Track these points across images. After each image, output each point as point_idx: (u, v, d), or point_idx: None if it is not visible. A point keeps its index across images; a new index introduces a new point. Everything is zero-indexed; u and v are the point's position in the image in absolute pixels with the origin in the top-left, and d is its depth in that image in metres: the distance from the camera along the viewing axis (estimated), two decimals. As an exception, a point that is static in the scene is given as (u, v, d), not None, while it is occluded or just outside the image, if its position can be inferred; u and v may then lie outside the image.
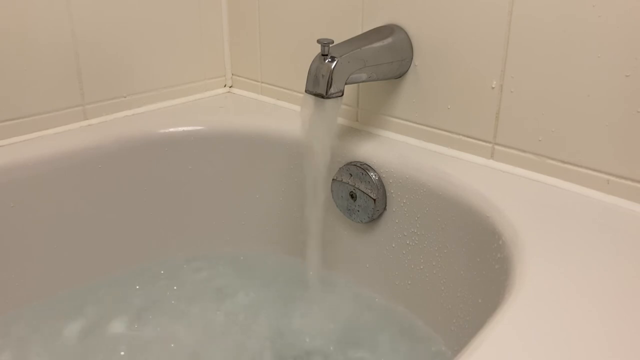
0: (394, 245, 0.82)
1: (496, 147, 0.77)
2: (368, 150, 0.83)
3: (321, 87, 0.71)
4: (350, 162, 0.83)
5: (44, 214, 0.82)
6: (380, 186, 0.81)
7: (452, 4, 0.76)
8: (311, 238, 0.82)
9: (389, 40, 0.79)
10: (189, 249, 0.97)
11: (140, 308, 0.87)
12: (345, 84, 0.73)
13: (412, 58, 0.81)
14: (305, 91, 0.73)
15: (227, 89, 1.11)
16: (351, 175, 0.82)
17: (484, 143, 0.78)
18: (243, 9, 1.03)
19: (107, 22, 0.91)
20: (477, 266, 0.69)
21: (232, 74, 1.10)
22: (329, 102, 0.72)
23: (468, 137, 0.79)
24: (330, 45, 0.71)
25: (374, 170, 0.81)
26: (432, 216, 0.76)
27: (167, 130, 0.92)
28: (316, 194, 0.79)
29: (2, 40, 0.81)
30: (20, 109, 0.85)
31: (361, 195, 0.82)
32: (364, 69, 0.75)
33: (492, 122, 0.76)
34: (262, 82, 1.05)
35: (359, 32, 0.83)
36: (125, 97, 0.96)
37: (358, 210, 0.83)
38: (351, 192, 0.83)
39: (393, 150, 0.82)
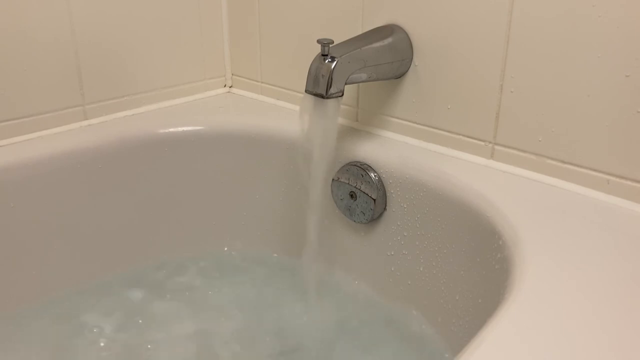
0: (393, 246, 0.82)
1: (496, 147, 0.77)
2: (368, 150, 0.83)
3: (321, 87, 0.71)
4: (350, 162, 0.83)
5: (44, 214, 0.82)
6: (380, 186, 0.81)
7: (452, 4, 0.76)
8: (311, 238, 0.81)
9: (389, 40, 0.79)
10: (189, 248, 0.97)
11: (141, 307, 0.87)
12: (345, 84, 0.73)
13: (412, 58, 0.81)
14: (305, 91, 0.73)
15: (227, 89, 1.11)
16: (351, 175, 0.82)
17: (484, 143, 0.78)
18: (243, 9, 1.03)
19: (107, 22, 0.91)
20: (477, 266, 0.69)
21: (232, 74, 1.10)
22: (329, 102, 0.72)
23: (468, 137, 0.79)
24: (330, 45, 0.71)
25: (374, 170, 0.81)
26: (432, 216, 0.76)
27: (167, 130, 0.93)
28: (316, 194, 0.79)
29: (2, 40, 0.81)
30: (20, 109, 0.85)
31: (361, 195, 0.82)
32: (364, 69, 0.75)
33: (492, 122, 0.76)
34: (262, 82, 1.05)
35: (359, 32, 0.83)
36: (125, 97, 0.96)
37: (358, 211, 0.83)
38: (351, 192, 0.83)
39: (393, 150, 0.82)
